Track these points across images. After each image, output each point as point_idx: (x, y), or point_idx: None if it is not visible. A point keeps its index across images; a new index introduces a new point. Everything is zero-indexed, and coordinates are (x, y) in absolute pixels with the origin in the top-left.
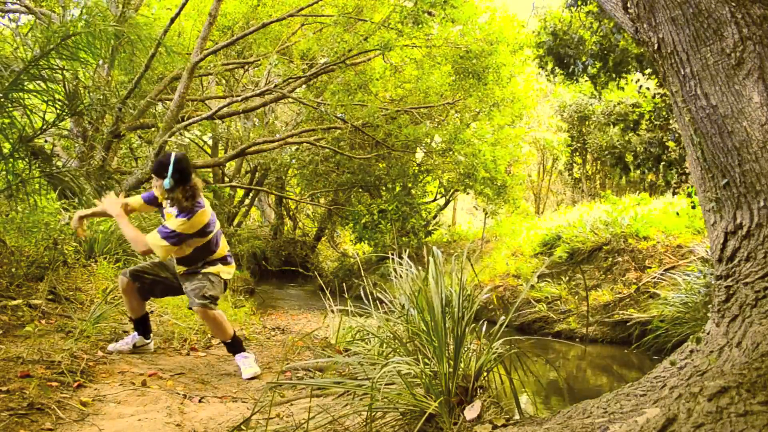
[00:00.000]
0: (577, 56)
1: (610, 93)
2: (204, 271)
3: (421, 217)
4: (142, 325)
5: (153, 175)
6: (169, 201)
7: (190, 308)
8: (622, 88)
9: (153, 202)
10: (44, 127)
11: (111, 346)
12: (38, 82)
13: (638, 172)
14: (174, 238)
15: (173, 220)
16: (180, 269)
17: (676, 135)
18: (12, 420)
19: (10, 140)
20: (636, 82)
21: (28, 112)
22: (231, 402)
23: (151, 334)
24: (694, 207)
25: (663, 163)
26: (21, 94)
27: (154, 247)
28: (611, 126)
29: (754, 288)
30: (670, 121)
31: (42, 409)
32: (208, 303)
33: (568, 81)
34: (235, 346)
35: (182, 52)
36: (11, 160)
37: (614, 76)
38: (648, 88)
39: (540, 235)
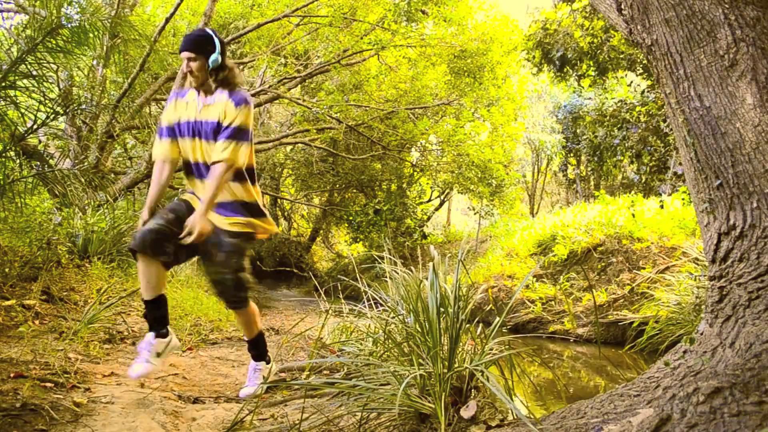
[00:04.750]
0: (564, 51)
1: (604, 93)
2: (243, 222)
3: (416, 217)
4: (159, 308)
5: (188, 56)
6: (205, 88)
7: (222, 298)
8: (593, 85)
9: (173, 133)
10: (35, 125)
11: (133, 373)
12: (28, 79)
13: (618, 168)
14: (247, 134)
15: (235, 111)
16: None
17: (662, 134)
18: (5, 421)
19: (2, 139)
20: (624, 77)
21: (21, 111)
22: (225, 402)
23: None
24: (662, 207)
25: (643, 158)
26: (11, 91)
27: (235, 161)
28: (602, 126)
29: (747, 289)
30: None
31: (35, 410)
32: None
33: (555, 75)
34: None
35: (177, 51)
36: (2, 159)
37: (600, 72)
38: (639, 85)
39: (535, 236)
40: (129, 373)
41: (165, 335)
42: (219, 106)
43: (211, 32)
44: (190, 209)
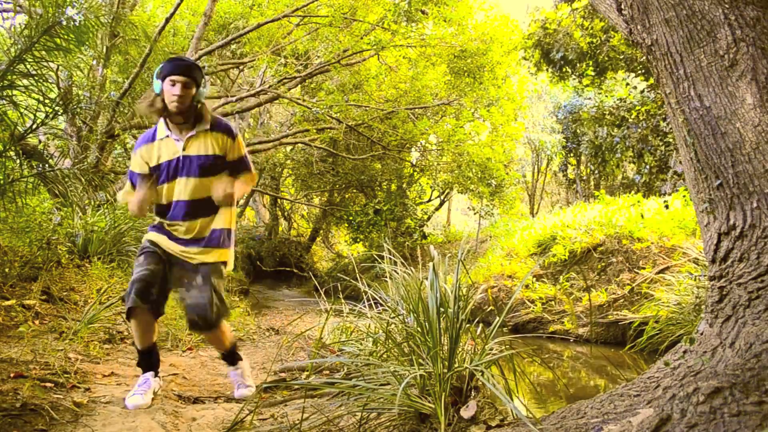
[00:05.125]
0: (564, 51)
1: (603, 93)
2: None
3: (416, 217)
4: (152, 356)
5: (184, 81)
6: (182, 119)
7: (193, 325)
8: (591, 85)
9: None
10: (34, 125)
11: (130, 404)
12: (27, 78)
13: (619, 168)
14: (250, 162)
15: (235, 143)
16: (188, 235)
17: (662, 133)
18: (5, 421)
19: (1, 139)
20: (623, 80)
21: (20, 111)
22: (225, 402)
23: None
24: (667, 207)
25: (645, 158)
26: (10, 91)
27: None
28: (601, 124)
29: (747, 289)
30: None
31: (35, 410)
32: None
33: (554, 74)
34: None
35: (177, 51)
36: (2, 159)
37: (598, 73)
38: (635, 87)
39: (535, 236)
40: (126, 404)
41: (157, 374)
42: (209, 140)
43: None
44: (162, 259)
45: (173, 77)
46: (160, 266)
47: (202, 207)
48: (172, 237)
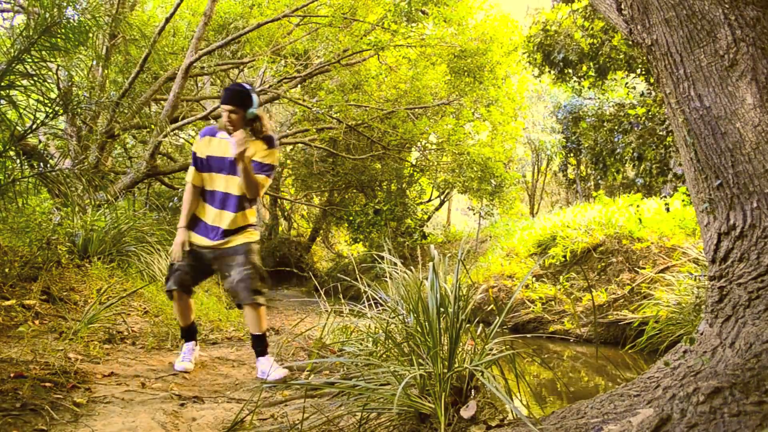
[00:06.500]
0: (566, 53)
1: (603, 94)
2: (249, 238)
3: (416, 217)
4: (193, 331)
5: (230, 106)
6: (239, 133)
7: (239, 305)
8: (591, 87)
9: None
10: (34, 125)
11: (178, 366)
12: (27, 78)
13: (620, 174)
14: (272, 172)
15: (267, 153)
16: (225, 227)
17: (663, 135)
18: (5, 421)
19: (1, 140)
20: (623, 78)
21: (19, 111)
22: (225, 402)
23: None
24: (668, 209)
25: (647, 156)
26: (9, 91)
27: (263, 188)
28: (599, 131)
29: (747, 289)
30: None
31: (35, 410)
32: (260, 297)
33: (556, 77)
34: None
35: (177, 51)
36: (2, 159)
37: (599, 74)
38: (635, 88)
39: (534, 236)
40: (175, 367)
41: (196, 343)
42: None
43: (248, 87)
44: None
45: (222, 106)
46: None
47: None
48: None
